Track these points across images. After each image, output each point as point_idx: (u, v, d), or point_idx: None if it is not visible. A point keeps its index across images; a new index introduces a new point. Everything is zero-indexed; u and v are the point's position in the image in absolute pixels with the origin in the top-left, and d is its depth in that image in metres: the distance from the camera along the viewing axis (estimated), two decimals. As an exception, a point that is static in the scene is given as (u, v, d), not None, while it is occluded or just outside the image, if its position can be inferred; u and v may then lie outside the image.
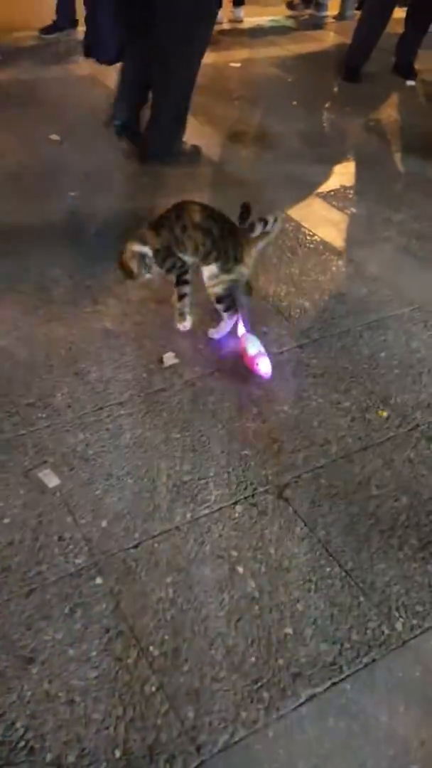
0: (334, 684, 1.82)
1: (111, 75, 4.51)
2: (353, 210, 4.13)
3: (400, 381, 2.88)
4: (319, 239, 3.80)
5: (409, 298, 3.38)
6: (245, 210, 2.75)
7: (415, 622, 1.98)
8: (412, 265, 3.67)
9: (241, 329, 2.87)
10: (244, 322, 2.88)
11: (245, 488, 2.35)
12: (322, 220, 3.98)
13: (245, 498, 2.31)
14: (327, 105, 5.51)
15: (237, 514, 2.26)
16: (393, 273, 3.60)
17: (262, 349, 2.76)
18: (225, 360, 2.82)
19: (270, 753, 1.67)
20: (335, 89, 5.81)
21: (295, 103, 5.44)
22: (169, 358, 2.80)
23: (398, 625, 1.97)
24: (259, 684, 1.81)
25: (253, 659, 1.86)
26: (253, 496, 2.33)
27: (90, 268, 3.29)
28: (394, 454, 2.52)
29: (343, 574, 2.10)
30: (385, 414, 2.71)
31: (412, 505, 2.33)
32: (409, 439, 2.61)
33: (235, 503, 2.29)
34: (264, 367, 2.72)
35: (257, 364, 2.72)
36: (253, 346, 2.76)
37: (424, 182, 4.47)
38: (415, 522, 2.28)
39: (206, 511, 2.26)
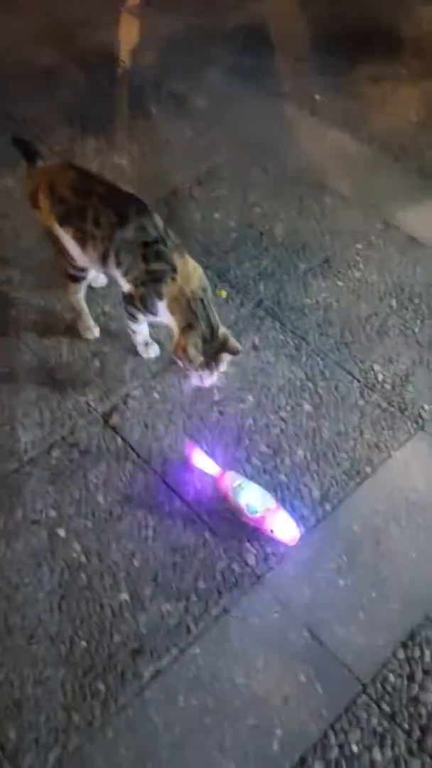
0: (181, 651, 1.54)
1: None
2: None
3: (237, 247, 2.42)
4: (127, 64, 3.11)
5: (244, 139, 2.83)
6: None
7: (269, 550, 1.70)
8: (258, 97, 3.06)
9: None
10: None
11: (62, 425, 1.93)
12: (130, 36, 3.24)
13: (62, 438, 1.90)
14: None
15: (54, 461, 1.85)
16: (231, 105, 2.99)
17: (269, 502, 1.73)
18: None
19: (109, 757, 1.41)
20: None
21: None
22: None
23: (251, 559, 1.68)
24: (93, 674, 1.51)
25: (83, 644, 1.55)
26: (72, 433, 1.91)
27: None
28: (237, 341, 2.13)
29: (185, 508, 1.77)
30: (224, 294, 2.27)
31: (258, 405, 1.98)
32: (252, 320, 2.20)
33: (51, 447, 1.88)
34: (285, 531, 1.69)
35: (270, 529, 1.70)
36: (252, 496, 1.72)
37: None
38: (263, 425, 1.94)
39: (15, 465, 1.84)
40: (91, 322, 2.11)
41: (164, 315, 1.80)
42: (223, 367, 1.82)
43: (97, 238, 1.80)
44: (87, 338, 2.12)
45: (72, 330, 2.13)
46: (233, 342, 1.78)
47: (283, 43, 3.33)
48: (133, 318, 1.92)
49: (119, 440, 1.90)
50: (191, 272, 1.76)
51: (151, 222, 1.77)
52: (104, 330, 2.14)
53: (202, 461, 1.81)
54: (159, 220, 1.78)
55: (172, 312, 1.77)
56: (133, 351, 2.08)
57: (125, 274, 1.82)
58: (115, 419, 1.94)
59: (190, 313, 1.74)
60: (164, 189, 2.61)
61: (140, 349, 2.06)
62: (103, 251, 1.81)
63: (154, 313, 1.82)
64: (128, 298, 1.87)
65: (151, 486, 1.81)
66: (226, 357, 1.80)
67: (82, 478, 1.82)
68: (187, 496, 1.78)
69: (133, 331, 2.00)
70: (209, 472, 1.79)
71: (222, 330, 1.78)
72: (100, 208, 1.78)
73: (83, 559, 1.68)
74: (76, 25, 3.39)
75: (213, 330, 1.76)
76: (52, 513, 1.75)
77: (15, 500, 1.77)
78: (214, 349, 1.76)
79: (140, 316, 1.90)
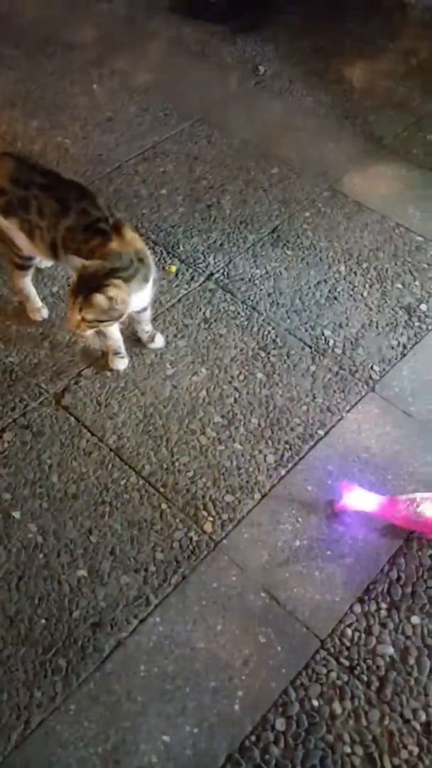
0: (141, 621, 1.55)
1: None
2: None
3: (186, 221, 2.41)
4: (67, 43, 3.06)
5: (189, 112, 2.81)
6: None
7: (225, 516, 1.71)
8: (201, 70, 3.03)
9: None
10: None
11: (13, 408, 1.91)
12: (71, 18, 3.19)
13: (14, 421, 1.88)
14: None
15: (6, 444, 1.84)
16: (173, 80, 2.97)
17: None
18: None
19: (74, 730, 1.42)
20: None
21: None
22: None
23: (207, 527, 1.69)
24: (53, 650, 1.51)
25: (43, 622, 1.55)
26: (24, 415, 1.90)
27: None
28: (189, 316, 2.13)
29: (141, 482, 1.77)
30: (174, 269, 2.26)
31: (212, 376, 1.99)
32: (203, 294, 2.20)
33: (2, 430, 1.87)
34: None
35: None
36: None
37: None
38: (217, 396, 1.94)
39: (-34, 452, 1.83)
40: (39, 304, 2.09)
41: None
42: (90, 316, 1.63)
43: (43, 228, 1.77)
44: (35, 319, 2.09)
45: (20, 312, 2.11)
46: (112, 283, 1.60)
47: (225, 14, 3.29)
48: None
49: (72, 420, 1.89)
50: (130, 240, 1.72)
51: (92, 205, 1.74)
52: (52, 311, 2.12)
53: (359, 498, 1.66)
54: (101, 203, 1.75)
55: None
56: (82, 330, 2.07)
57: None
58: (67, 399, 1.93)
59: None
60: (108, 166, 2.58)
61: (110, 357, 1.97)
62: (51, 241, 1.78)
63: None
64: None
65: (106, 462, 1.80)
66: (96, 299, 1.59)
67: (36, 459, 1.81)
68: (143, 470, 1.79)
69: (105, 336, 1.91)
70: (369, 508, 1.65)
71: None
72: (41, 198, 1.74)
73: (39, 539, 1.67)
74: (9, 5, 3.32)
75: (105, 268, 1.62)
76: (6, 495, 1.74)
77: (-32, 486, 1.76)
78: (91, 280, 1.59)
79: None
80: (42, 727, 1.42)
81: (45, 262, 2.18)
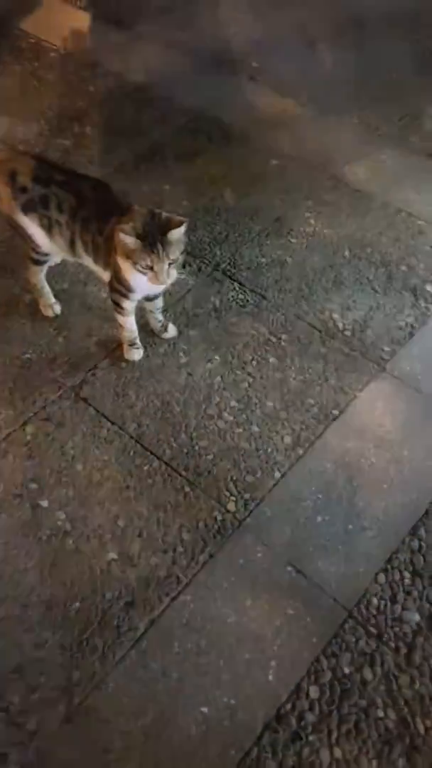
0: (173, 600, 1.59)
1: None
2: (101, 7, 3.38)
3: (190, 215, 2.45)
4: (65, 52, 3.11)
5: (186, 107, 2.85)
6: None
7: (248, 496, 1.75)
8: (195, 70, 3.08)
9: None
10: None
11: (33, 402, 1.95)
12: (62, 26, 3.24)
13: (35, 414, 1.92)
14: None
15: (29, 437, 1.88)
16: (168, 80, 3.01)
17: None
18: None
19: (114, 706, 1.46)
20: None
21: None
22: None
23: (231, 506, 1.73)
24: (89, 631, 1.55)
25: (77, 605, 1.59)
26: (44, 408, 1.94)
27: None
28: (199, 305, 2.17)
29: (164, 467, 1.81)
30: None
31: (225, 363, 2.03)
32: (212, 284, 2.24)
33: (25, 423, 1.90)
34: None
35: None
36: None
37: None
38: (231, 381, 1.99)
39: (-9, 445, 1.87)
40: (52, 300, 2.13)
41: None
42: (173, 254, 1.64)
43: (62, 223, 1.81)
44: (49, 315, 2.13)
45: (34, 309, 2.15)
46: (176, 217, 1.64)
47: (216, 12, 3.34)
48: (119, 308, 1.89)
49: (92, 410, 1.93)
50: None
51: (108, 195, 1.78)
52: (65, 306, 2.16)
53: None
54: (120, 195, 1.79)
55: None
56: (96, 324, 2.11)
57: (95, 260, 1.83)
58: (85, 391, 1.97)
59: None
60: (109, 166, 2.63)
61: (125, 347, 2.01)
62: (70, 237, 1.82)
63: (129, 285, 1.77)
64: (110, 285, 1.85)
65: (128, 449, 1.84)
66: (174, 236, 1.62)
67: (59, 450, 1.85)
68: (164, 455, 1.83)
69: (121, 326, 1.96)
70: None
71: (164, 213, 1.66)
72: (60, 194, 1.79)
73: (68, 526, 1.71)
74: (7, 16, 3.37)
75: (153, 215, 1.65)
76: (33, 486, 1.78)
77: (-6, 478, 1.80)
78: (157, 228, 1.62)
79: (125, 304, 1.86)
80: (83, 706, 1.46)
81: (56, 259, 2.22)
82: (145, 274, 1.66)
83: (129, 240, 1.61)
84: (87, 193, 1.77)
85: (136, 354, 2.02)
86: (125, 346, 2.01)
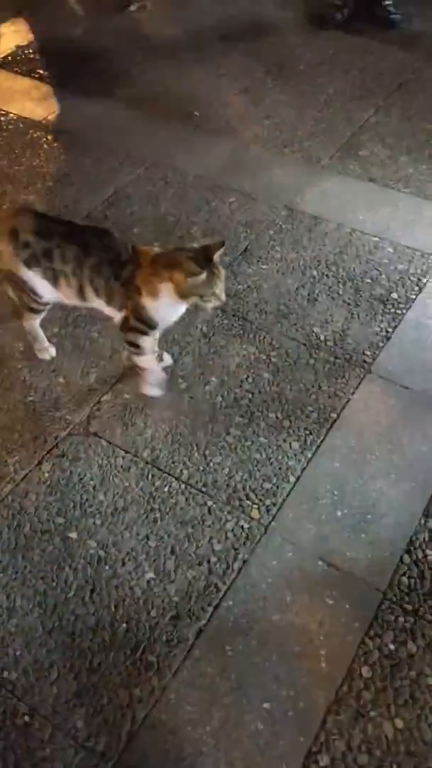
0: (216, 608, 1.65)
1: None
2: (41, 71, 3.54)
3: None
4: (15, 116, 3.23)
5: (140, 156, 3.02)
6: None
7: (268, 501, 1.84)
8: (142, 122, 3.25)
9: None
10: None
11: (45, 441, 2.00)
12: (8, 92, 3.37)
13: (48, 452, 1.97)
14: None
15: (47, 474, 1.92)
16: (119, 133, 3.17)
17: None
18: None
19: (178, 716, 1.49)
20: None
21: None
22: None
23: (254, 513, 1.82)
24: (141, 649, 1.58)
25: (124, 626, 1.62)
26: (56, 446, 1.98)
27: None
28: (188, 334, 2.28)
29: (183, 486, 1.88)
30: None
31: (222, 383, 2.14)
32: (195, 313, 2.36)
33: (40, 462, 1.94)
34: None
35: None
36: None
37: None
38: (232, 399, 2.09)
39: (10, 487, 1.89)
40: (46, 343, 2.19)
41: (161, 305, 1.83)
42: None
43: (68, 273, 1.88)
44: (44, 359, 2.19)
45: (30, 355, 2.20)
46: (213, 241, 1.81)
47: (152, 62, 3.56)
48: (137, 347, 1.94)
49: (104, 442, 1.99)
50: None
51: (111, 241, 1.88)
52: (59, 349, 2.23)
53: None
54: (121, 239, 1.89)
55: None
56: (91, 362, 2.19)
57: (108, 302, 1.91)
58: (94, 425, 2.03)
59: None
60: (77, 215, 2.73)
61: (146, 386, 2.06)
62: (78, 285, 1.89)
63: (154, 322, 1.87)
64: (125, 326, 1.91)
65: (146, 474, 1.91)
66: (219, 257, 1.78)
67: (79, 482, 1.90)
68: (182, 475, 1.90)
69: (143, 368, 2.01)
70: None
71: (195, 244, 1.84)
72: (63, 246, 1.86)
73: (101, 552, 1.75)
74: None
75: (187, 249, 1.81)
76: (60, 520, 1.82)
77: (19, 517, 1.82)
78: (203, 257, 1.76)
79: (143, 343, 1.93)
80: (148, 720, 1.49)
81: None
82: (210, 302, 1.81)
83: (200, 279, 1.74)
84: (91, 241, 1.87)
85: (158, 391, 2.09)
86: (145, 385, 2.08)
